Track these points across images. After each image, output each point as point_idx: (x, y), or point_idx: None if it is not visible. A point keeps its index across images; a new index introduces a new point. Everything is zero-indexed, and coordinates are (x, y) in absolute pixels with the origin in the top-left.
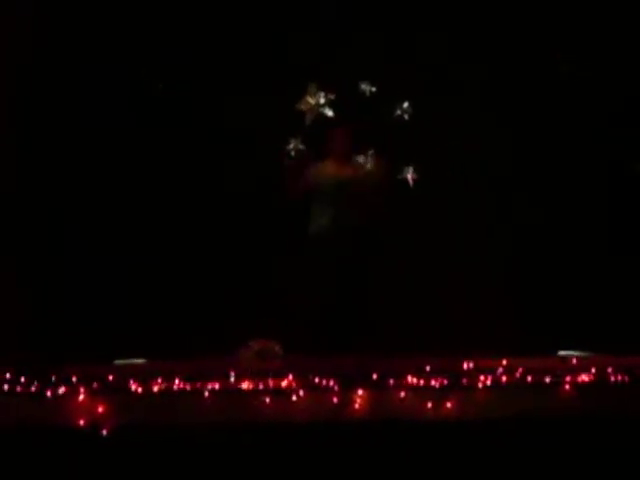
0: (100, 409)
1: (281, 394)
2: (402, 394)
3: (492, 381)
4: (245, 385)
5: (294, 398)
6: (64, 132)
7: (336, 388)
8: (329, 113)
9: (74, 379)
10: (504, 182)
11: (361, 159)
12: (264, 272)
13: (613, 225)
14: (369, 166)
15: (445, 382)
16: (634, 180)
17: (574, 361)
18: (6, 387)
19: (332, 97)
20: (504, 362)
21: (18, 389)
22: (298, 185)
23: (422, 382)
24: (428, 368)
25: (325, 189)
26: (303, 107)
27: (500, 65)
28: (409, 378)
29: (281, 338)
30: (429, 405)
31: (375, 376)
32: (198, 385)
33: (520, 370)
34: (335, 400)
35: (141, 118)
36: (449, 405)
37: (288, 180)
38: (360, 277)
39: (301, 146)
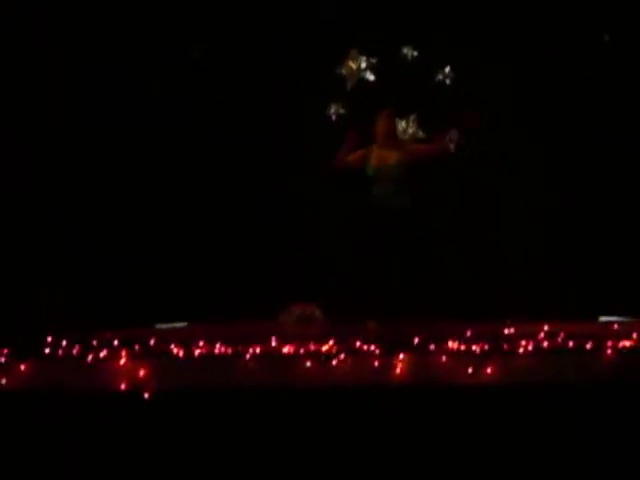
0: (141, 373)
1: (322, 358)
2: (443, 359)
3: (533, 346)
4: (286, 349)
5: (335, 362)
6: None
7: (377, 352)
8: (370, 77)
9: (115, 343)
10: (545, 148)
11: (403, 124)
12: (306, 237)
13: None
14: (411, 131)
15: (486, 347)
16: None
17: (615, 326)
18: (47, 351)
19: (373, 61)
20: (545, 327)
21: (60, 353)
22: (346, 158)
23: (463, 347)
24: (469, 333)
25: (372, 173)
26: (345, 72)
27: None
28: (450, 343)
29: (322, 303)
30: (469, 370)
31: (416, 341)
32: (239, 349)
33: (561, 335)
34: (376, 364)
35: (175, 81)
36: (489, 370)
37: (341, 150)
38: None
39: (342, 110)
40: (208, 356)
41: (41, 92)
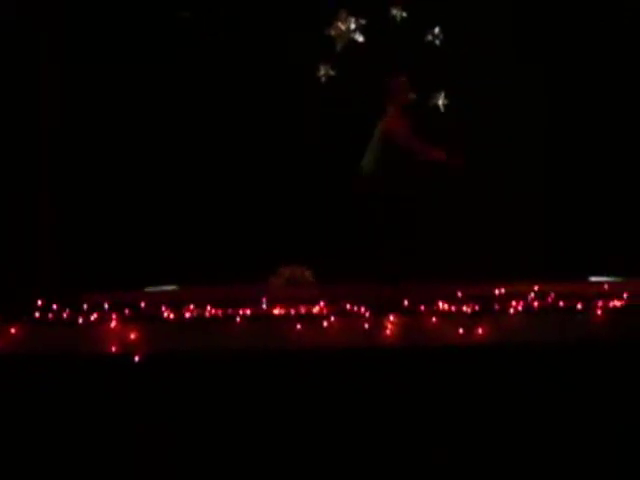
0: (132, 336)
1: (312, 320)
2: (433, 320)
3: (523, 306)
4: (277, 311)
5: (325, 324)
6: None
7: (367, 314)
8: (360, 39)
9: (106, 306)
10: (534, 109)
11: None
12: (296, 200)
13: None
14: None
15: (476, 308)
16: None
17: (606, 286)
18: (37, 315)
19: (363, 22)
20: (536, 287)
21: (50, 316)
22: None
23: (453, 308)
24: (459, 294)
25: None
26: (334, 32)
27: None
28: (440, 304)
29: (312, 265)
30: (460, 331)
31: (406, 302)
32: (230, 311)
33: (552, 295)
34: (366, 326)
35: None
36: (480, 331)
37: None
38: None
39: (331, 72)
40: (198, 319)
41: None
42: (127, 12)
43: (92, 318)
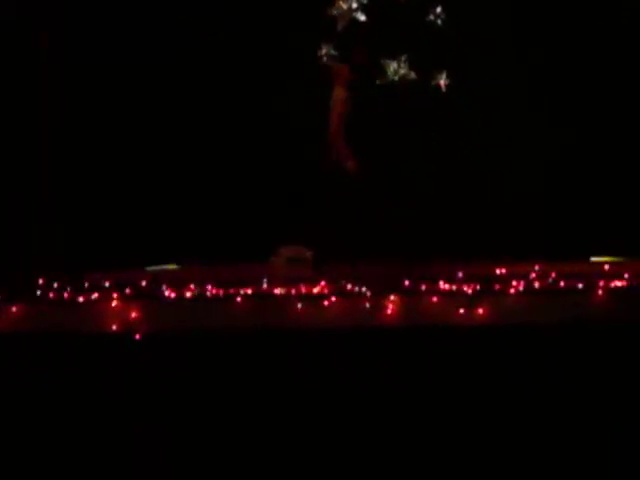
0: (133, 314)
1: (313, 300)
2: (434, 300)
3: (524, 286)
4: (277, 291)
5: (326, 304)
6: None
7: (368, 294)
8: (362, 18)
9: (107, 285)
10: (536, 96)
11: (395, 64)
12: (294, 180)
13: None
14: (402, 72)
15: (477, 288)
16: None
17: (606, 267)
18: (39, 293)
19: (364, 1)
20: (536, 267)
21: (51, 295)
22: None
23: (454, 288)
24: (460, 274)
25: None
26: (335, 12)
27: None
28: (441, 284)
29: (313, 245)
30: (461, 310)
31: (407, 282)
32: (231, 291)
33: (552, 275)
34: (367, 305)
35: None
36: (481, 311)
37: None
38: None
39: (333, 52)
40: (199, 298)
41: None
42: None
43: (93, 297)
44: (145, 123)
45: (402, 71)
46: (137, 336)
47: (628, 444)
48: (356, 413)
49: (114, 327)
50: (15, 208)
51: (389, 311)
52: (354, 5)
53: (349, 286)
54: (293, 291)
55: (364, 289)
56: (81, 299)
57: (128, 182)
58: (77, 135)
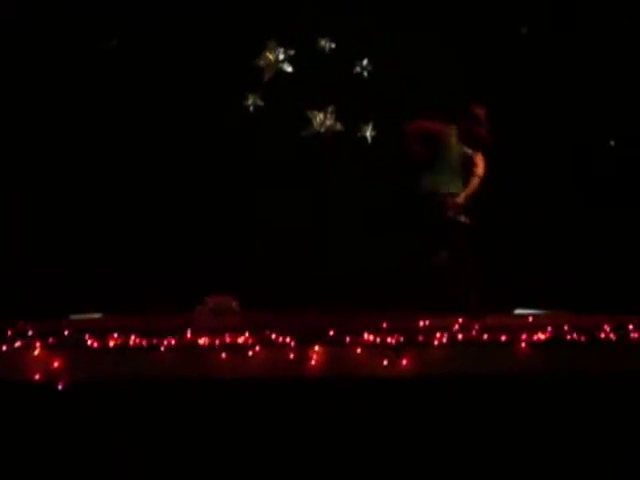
0: (56, 363)
1: (237, 350)
2: (358, 351)
3: (448, 339)
4: (202, 341)
5: (250, 354)
6: None
7: (292, 344)
8: (288, 69)
9: (30, 333)
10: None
11: (321, 116)
12: (225, 229)
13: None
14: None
15: (401, 339)
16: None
17: (530, 319)
18: None
19: (291, 53)
20: (460, 320)
21: None
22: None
23: (378, 339)
24: (384, 325)
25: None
26: (262, 63)
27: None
28: (365, 335)
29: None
30: (385, 362)
31: (332, 333)
32: (154, 340)
33: (476, 328)
34: (291, 356)
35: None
36: (405, 362)
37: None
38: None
39: (259, 102)
40: (123, 347)
41: None
42: None
43: (16, 345)
44: (59, 171)
45: (328, 122)
46: (59, 386)
47: None
48: (276, 465)
49: (37, 376)
50: None
51: (313, 362)
52: (281, 56)
53: (273, 336)
54: (217, 341)
55: (288, 339)
56: (4, 347)
57: (51, 230)
58: None
